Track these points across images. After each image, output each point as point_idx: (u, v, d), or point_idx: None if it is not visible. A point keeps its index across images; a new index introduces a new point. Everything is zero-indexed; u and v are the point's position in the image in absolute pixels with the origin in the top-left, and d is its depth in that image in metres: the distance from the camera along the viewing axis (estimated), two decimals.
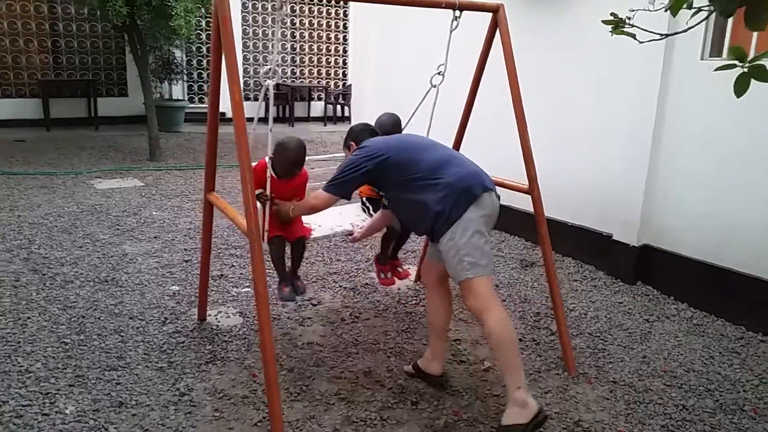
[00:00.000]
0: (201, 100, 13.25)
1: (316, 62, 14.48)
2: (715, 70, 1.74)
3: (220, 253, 4.97)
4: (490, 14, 3.37)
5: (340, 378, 3.22)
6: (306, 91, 14.19)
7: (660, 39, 1.89)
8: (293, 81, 14.08)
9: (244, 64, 13.50)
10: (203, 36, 12.81)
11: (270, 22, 13.79)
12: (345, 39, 14.66)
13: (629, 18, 1.78)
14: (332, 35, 14.61)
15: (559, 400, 3.10)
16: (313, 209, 3.09)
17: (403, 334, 3.74)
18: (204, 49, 13.05)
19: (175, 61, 11.87)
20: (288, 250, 3.37)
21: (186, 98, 12.82)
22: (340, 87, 14.64)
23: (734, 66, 1.60)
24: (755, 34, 3.83)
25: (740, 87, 1.65)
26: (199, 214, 5.98)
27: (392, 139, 3.15)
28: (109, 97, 11.97)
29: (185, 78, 12.86)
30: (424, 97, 3.54)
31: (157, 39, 9.73)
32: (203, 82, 13.26)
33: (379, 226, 3.50)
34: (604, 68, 4.68)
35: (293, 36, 14.14)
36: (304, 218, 3.41)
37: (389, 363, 3.39)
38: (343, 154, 3.44)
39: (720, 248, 4.12)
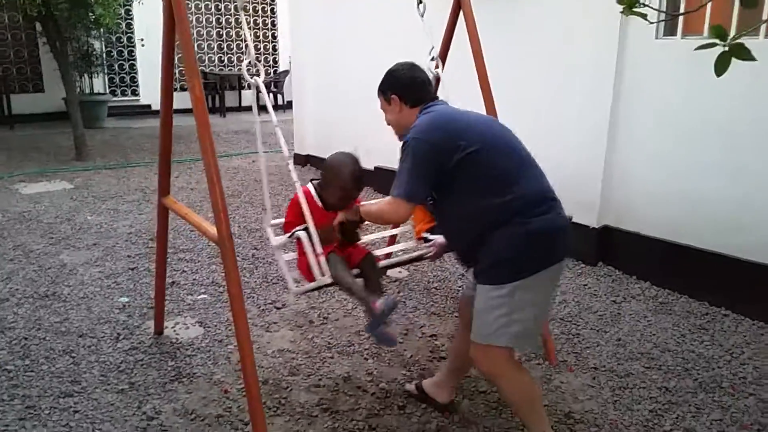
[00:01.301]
0: (124, 93, 12.59)
1: (244, 49, 13.98)
2: (696, 49, 1.68)
3: (167, 258, 4.64)
4: None
5: (318, 386, 3.04)
6: (236, 80, 13.67)
7: (669, 19, 1.79)
8: (221, 69, 13.56)
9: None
10: (122, 25, 12.10)
11: (198, 8, 13.18)
12: (273, 24, 14.24)
13: None
14: (260, 20, 14.14)
15: (545, 392, 3.04)
16: (384, 220, 2.46)
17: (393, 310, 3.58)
18: (124, 38, 12.35)
19: (95, 52, 11.17)
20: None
21: (108, 91, 12.11)
22: (271, 74, 14.22)
23: (714, 45, 1.57)
24: (708, 13, 3.86)
25: (721, 66, 1.63)
26: (138, 216, 5.64)
27: (473, 118, 2.34)
28: (24, 94, 11.15)
29: (106, 70, 12.14)
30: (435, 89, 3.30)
31: (75, 29, 9.07)
32: (125, 73, 12.58)
33: None
34: (559, 47, 4.63)
35: (218, 22, 13.59)
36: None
37: (368, 366, 3.23)
38: None
39: (680, 226, 4.17)
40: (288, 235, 2.51)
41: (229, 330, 3.57)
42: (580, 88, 4.52)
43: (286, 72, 13.52)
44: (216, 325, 3.63)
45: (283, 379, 3.08)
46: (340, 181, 2.55)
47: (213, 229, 2.49)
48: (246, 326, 2.36)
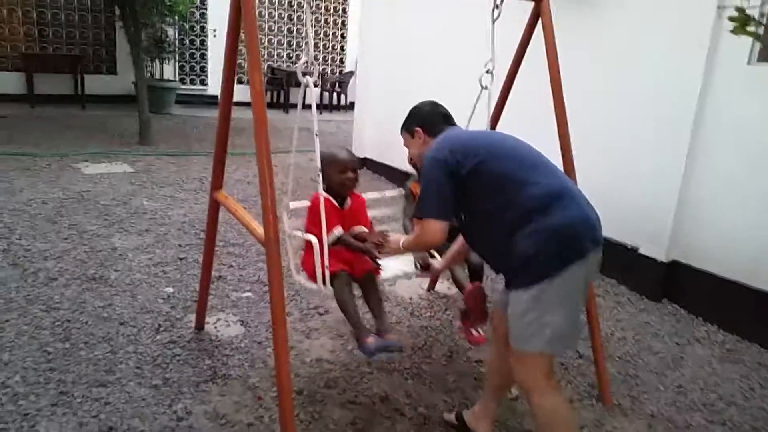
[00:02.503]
0: (192, 82, 12.81)
1: (303, 46, 14.04)
2: None
3: (217, 251, 4.58)
4: (532, 3, 3.06)
5: (354, 403, 2.90)
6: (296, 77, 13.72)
7: None
8: (288, 66, 13.64)
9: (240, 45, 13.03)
10: (197, 14, 12.32)
11: (271, 2, 13.31)
12: (344, 24, 14.25)
13: (761, 17, 1.46)
14: (330, 19, 14.18)
15: None
16: (427, 245, 2.46)
17: (420, 352, 3.43)
18: (197, 28, 12.57)
19: (168, 39, 11.39)
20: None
21: (177, 79, 12.34)
22: (337, 74, 14.24)
23: None
24: None
25: None
26: (194, 206, 5.64)
27: (479, 134, 2.52)
28: (98, 75, 11.48)
29: (177, 58, 12.38)
30: (477, 101, 3.17)
31: (151, 15, 9.25)
32: (195, 62, 12.81)
33: (460, 253, 2.93)
34: (639, 67, 4.37)
35: (290, 18, 13.69)
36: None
37: (407, 387, 3.08)
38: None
39: (756, 269, 3.85)
40: (302, 235, 2.63)
41: (270, 332, 3.47)
42: (660, 112, 4.24)
43: (351, 73, 13.51)
44: (257, 326, 3.54)
45: (318, 391, 2.96)
46: (335, 162, 2.73)
47: (260, 230, 2.39)
48: (285, 335, 2.24)
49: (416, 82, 6.77)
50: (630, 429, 2.90)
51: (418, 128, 2.61)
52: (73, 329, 3.30)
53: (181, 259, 4.42)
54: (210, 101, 12.71)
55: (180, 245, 4.68)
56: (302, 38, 13.88)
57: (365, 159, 7.76)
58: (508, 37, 3.16)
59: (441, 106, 2.69)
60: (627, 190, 4.46)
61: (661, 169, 4.24)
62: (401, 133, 2.73)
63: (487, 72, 3.09)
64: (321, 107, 13.39)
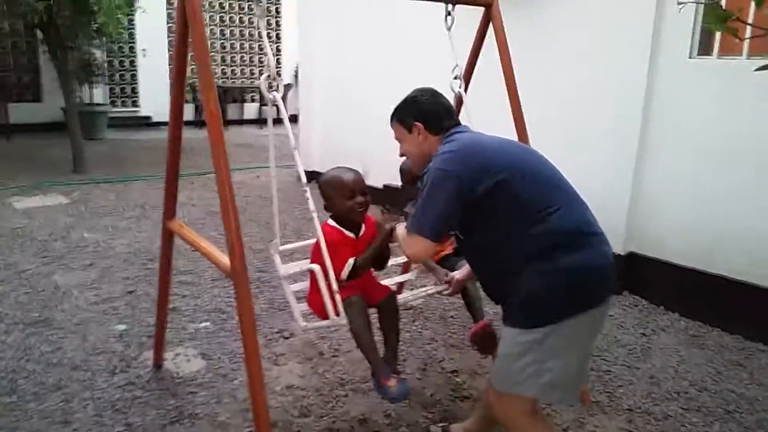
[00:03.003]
0: (124, 104, 12.38)
1: (248, 61, 13.79)
2: (756, 70, 1.49)
3: None
4: (482, 9, 3.03)
5: (332, 430, 2.78)
6: (238, 93, 13.50)
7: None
8: (224, 82, 13.35)
9: (170, 63, 12.68)
10: (125, 34, 11.89)
11: (210, 19, 12.99)
12: (278, 37, 14.05)
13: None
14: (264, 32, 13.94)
15: None
16: (411, 259, 2.31)
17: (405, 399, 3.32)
18: (126, 48, 12.15)
19: (96, 62, 10.96)
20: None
21: (108, 102, 11.89)
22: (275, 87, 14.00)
23: None
24: (748, 33, 3.65)
25: None
26: (138, 234, 5.39)
27: (498, 145, 2.13)
28: (22, 103, 10.91)
29: (107, 80, 11.93)
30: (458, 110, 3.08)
31: (77, 38, 8.86)
32: (126, 83, 12.38)
33: None
34: (586, 68, 4.42)
35: (222, 34, 13.42)
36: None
37: (385, 406, 2.97)
38: None
39: (712, 255, 3.94)
40: (300, 268, 2.40)
41: (234, 363, 3.32)
42: (608, 108, 4.30)
43: (290, 85, 13.34)
44: (219, 358, 3.37)
45: (293, 422, 2.82)
46: (341, 186, 2.38)
47: (225, 260, 2.25)
48: (260, 374, 2.12)
49: (368, 90, 6.70)
50: (611, 427, 2.88)
51: (417, 123, 2.25)
52: (20, 380, 3.05)
53: (130, 292, 4.18)
54: (143, 122, 12.34)
55: (127, 278, 4.44)
56: (236, 53, 13.61)
57: (313, 172, 7.62)
58: (463, 42, 3.12)
59: (442, 96, 2.34)
60: (580, 187, 4.46)
61: (614, 165, 4.29)
62: (392, 124, 2.37)
63: (455, 78, 3.01)
64: (261, 122, 13.17)
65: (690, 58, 3.92)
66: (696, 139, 3.95)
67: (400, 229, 2.26)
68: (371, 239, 2.43)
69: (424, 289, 2.93)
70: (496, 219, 2.00)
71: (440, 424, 2.75)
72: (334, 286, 2.21)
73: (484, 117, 2.88)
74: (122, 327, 3.67)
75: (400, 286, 3.52)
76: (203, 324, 3.77)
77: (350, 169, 2.43)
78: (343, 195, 2.37)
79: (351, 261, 2.33)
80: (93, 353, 3.35)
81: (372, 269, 2.55)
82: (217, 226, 5.73)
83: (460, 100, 3.09)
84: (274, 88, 2.18)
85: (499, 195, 1.97)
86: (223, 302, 4.07)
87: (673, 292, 4.15)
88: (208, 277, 4.49)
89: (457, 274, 2.83)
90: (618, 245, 4.33)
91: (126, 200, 6.63)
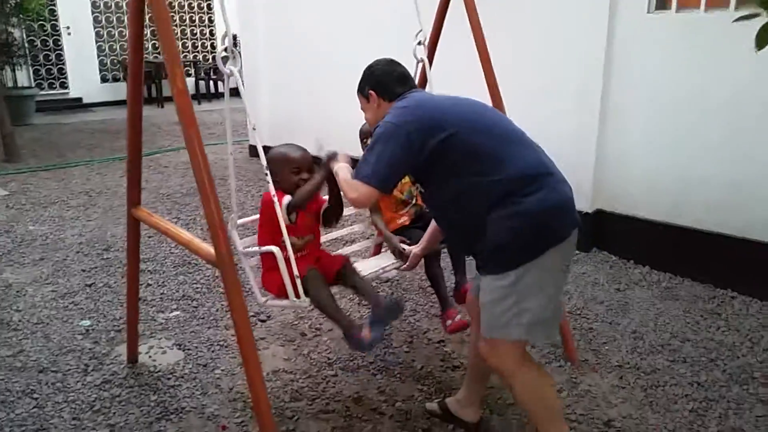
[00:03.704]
0: (51, 86, 11.66)
1: (180, 34, 13.17)
2: (735, 21, 1.46)
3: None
4: None
5: (328, 412, 2.69)
6: None
7: None
8: (156, 57, 12.74)
9: (97, 41, 12.02)
10: (45, 11, 11.14)
11: None
12: (210, 7, 13.47)
13: None
14: (194, 3, 13.35)
15: (576, 398, 2.79)
16: (352, 203, 2.21)
17: (380, 343, 3.25)
18: (48, 26, 11.40)
19: (15, 42, 10.24)
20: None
21: (34, 84, 11.17)
22: (210, 60, 13.49)
23: (756, 15, 1.38)
24: None
25: (762, 39, 1.38)
26: (87, 223, 5.10)
27: (450, 102, 2.18)
28: None
29: (30, 61, 11.19)
30: (415, 75, 2.97)
31: None
32: (51, 64, 11.64)
33: (436, 237, 2.72)
34: (547, 25, 4.36)
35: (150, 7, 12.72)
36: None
37: (377, 382, 2.91)
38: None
39: (678, 207, 4.01)
40: (259, 250, 2.39)
41: (212, 352, 3.17)
42: (569, 66, 4.27)
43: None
44: (197, 347, 3.22)
45: (286, 407, 2.72)
46: (287, 161, 2.44)
47: (207, 248, 2.10)
48: (257, 363, 2.01)
49: (315, 58, 6.48)
50: (604, 384, 2.90)
51: (371, 91, 2.32)
52: None
53: (89, 285, 3.94)
54: (74, 105, 11.69)
55: (84, 270, 4.18)
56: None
57: (264, 147, 7.37)
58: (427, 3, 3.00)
59: (398, 64, 2.38)
60: (545, 148, 4.46)
61: (577, 122, 4.29)
62: (357, 95, 2.43)
63: (419, 44, 2.90)
64: (199, 97, 12.67)
65: (648, 12, 3.92)
66: (657, 93, 3.97)
67: (343, 172, 2.23)
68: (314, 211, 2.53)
69: (379, 264, 2.89)
70: (452, 172, 2.04)
71: (435, 400, 2.69)
72: (295, 271, 2.22)
73: (452, 83, 2.77)
74: (87, 322, 3.45)
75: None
76: (174, 313, 3.59)
77: (298, 147, 2.50)
78: (288, 170, 2.43)
79: (286, 199, 2.35)
80: (60, 353, 3.13)
81: (325, 222, 2.58)
82: (169, 210, 5.49)
83: (424, 67, 3.00)
84: (231, 62, 2.08)
85: (453, 148, 2.01)
86: (190, 289, 3.89)
87: (642, 246, 4.21)
88: (170, 263, 4.28)
89: (415, 248, 2.81)
90: (585, 203, 4.36)
91: (69, 188, 6.25)
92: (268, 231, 2.39)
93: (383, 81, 2.31)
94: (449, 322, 2.94)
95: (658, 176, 4.06)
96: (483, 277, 2.09)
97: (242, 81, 2.14)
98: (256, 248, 2.41)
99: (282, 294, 2.32)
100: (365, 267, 2.75)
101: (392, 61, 2.40)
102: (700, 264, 3.93)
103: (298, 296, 2.26)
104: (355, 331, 2.30)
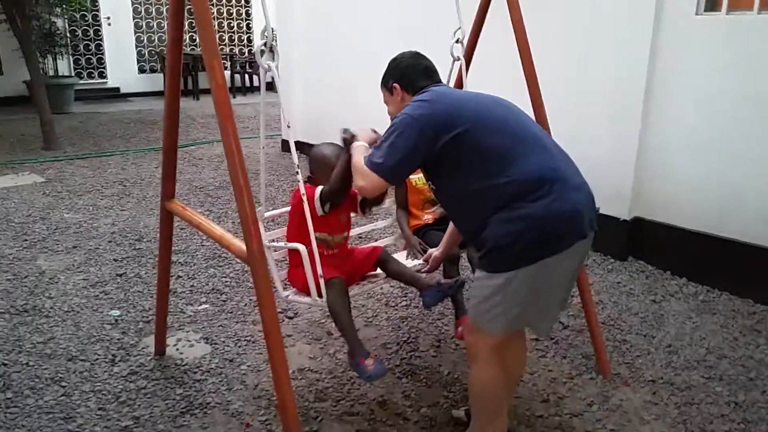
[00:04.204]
0: (90, 75, 11.86)
1: (217, 27, 13.26)
2: None
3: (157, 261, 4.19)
4: None
5: (352, 414, 2.66)
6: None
7: None
8: (192, 49, 12.86)
9: (136, 32, 12.17)
10: (87, 2, 11.33)
11: None
12: (247, 1, 13.55)
13: None
14: None
15: (606, 413, 2.71)
16: (359, 190, 2.22)
17: (407, 346, 3.22)
18: (89, 17, 11.59)
19: (58, 32, 10.42)
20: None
21: (74, 74, 11.37)
22: (246, 54, 13.57)
23: None
24: None
25: None
26: (121, 213, 5.16)
27: (468, 98, 2.19)
28: None
29: (71, 51, 11.39)
30: (450, 73, 2.92)
31: (37, 5, 8.36)
32: (91, 54, 11.84)
33: (455, 239, 2.67)
34: (589, 27, 4.25)
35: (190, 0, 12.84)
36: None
37: (403, 387, 2.86)
38: None
39: (720, 218, 3.88)
40: (285, 245, 2.40)
41: (239, 347, 3.17)
42: (612, 68, 4.16)
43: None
44: (224, 341, 3.21)
45: (311, 407, 2.69)
46: (327, 161, 2.43)
47: (239, 244, 2.08)
48: (286, 374, 1.97)
49: (349, 54, 6.46)
50: (636, 399, 2.81)
51: (395, 84, 2.31)
52: (13, 374, 2.86)
53: (120, 275, 3.97)
54: (112, 94, 11.87)
55: (116, 260, 4.22)
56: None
57: (296, 142, 7.37)
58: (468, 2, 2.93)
59: (424, 57, 2.37)
60: (585, 152, 4.31)
61: (618, 127, 4.18)
62: (381, 89, 2.43)
63: (457, 42, 2.85)
64: (234, 90, 12.75)
65: (697, 14, 3.79)
66: (703, 99, 3.84)
67: (358, 153, 2.20)
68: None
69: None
70: (460, 170, 2.03)
71: (462, 407, 2.64)
72: (319, 270, 2.21)
73: (487, 83, 2.71)
74: (116, 312, 3.48)
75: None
76: (202, 306, 3.59)
77: (339, 149, 2.42)
78: (329, 171, 2.38)
79: (317, 190, 2.37)
80: (89, 342, 3.16)
81: (363, 208, 2.59)
82: (201, 202, 5.52)
83: (460, 67, 2.95)
84: (268, 57, 2.05)
85: (464, 145, 2.00)
86: (220, 282, 3.89)
87: (681, 257, 4.09)
88: (201, 256, 4.30)
89: (436, 251, 2.77)
90: (623, 209, 4.26)
91: (104, 177, 6.33)
92: (297, 227, 2.38)
93: (408, 74, 2.30)
94: (460, 328, 2.90)
95: (702, 185, 3.93)
96: (477, 270, 2.12)
97: (279, 76, 2.10)
98: (282, 243, 2.40)
99: (304, 289, 2.32)
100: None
101: (418, 53, 2.39)
102: (740, 277, 3.79)
103: (320, 295, 2.25)
104: (360, 355, 2.29)
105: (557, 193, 1.94)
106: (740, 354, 3.21)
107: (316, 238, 2.21)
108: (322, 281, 2.23)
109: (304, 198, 2.20)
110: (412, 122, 2.03)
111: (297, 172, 2.19)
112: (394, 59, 2.39)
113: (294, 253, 2.38)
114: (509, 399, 2.51)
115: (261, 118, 2.27)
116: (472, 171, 2.01)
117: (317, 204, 2.36)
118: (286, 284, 2.54)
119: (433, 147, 2.01)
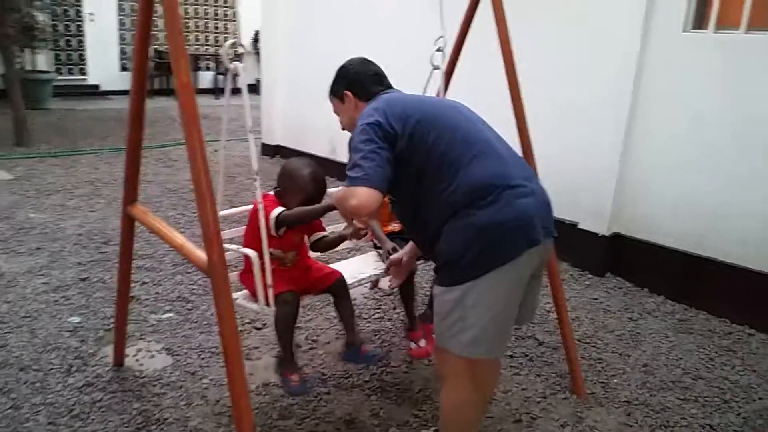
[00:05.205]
0: (71, 71, 11.65)
1: (202, 27, 13.11)
2: None
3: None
4: None
5: None
6: (192, 60, 12.87)
7: None
8: None
9: (120, 29, 11.98)
10: None
11: None
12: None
13: None
14: None
15: None
16: (356, 212, 1.96)
17: (378, 362, 3.11)
18: (72, 12, 11.39)
19: (38, 26, 10.20)
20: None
21: (53, 69, 11.15)
22: (232, 55, 13.40)
23: None
24: (748, 4, 3.48)
25: None
26: (89, 214, 5.01)
27: (420, 101, 2.17)
28: None
29: (51, 46, 11.17)
30: (428, 82, 2.84)
31: None
32: (72, 50, 11.63)
33: (415, 250, 2.62)
34: (574, 41, 4.20)
35: None
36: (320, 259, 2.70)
37: (371, 404, 2.76)
38: None
39: (700, 237, 3.83)
40: (238, 250, 2.30)
41: (202, 359, 3.04)
42: (597, 84, 4.11)
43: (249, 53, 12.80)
44: (186, 353, 3.09)
45: (274, 425, 2.58)
46: (300, 183, 2.37)
47: (200, 253, 1.97)
48: (244, 382, 1.85)
49: (332, 57, 6.32)
50: (610, 421, 2.74)
51: (347, 92, 2.27)
52: None
53: (83, 279, 3.83)
54: (91, 91, 11.66)
55: (80, 263, 4.07)
56: (189, 18, 12.92)
57: (277, 147, 7.25)
58: (452, 11, 2.86)
59: (372, 63, 2.35)
60: (565, 165, 4.28)
61: (601, 142, 4.12)
62: (329, 98, 2.39)
63: (438, 50, 2.77)
64: (217, 91, 12.60)
65: (684, 31, 3.75)
66: (689, 118, 3.79)
67: (337, 193, 2.10)
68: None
69: (360, 269, 2.81)
70: (414, 177, 1.99)
71: (432, 428, 2.55)
72: (269, 280, 2.17)
73: (474, 97, 2.63)
74: (76, 319, 3.34)
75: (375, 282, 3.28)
76: (166, 315, 3.46)
77: (319, 170, 2.42)
78: (300, 191, 2.38)
79: (275, 212, 2.29)
80: (44, 350, 3.01)
81: (313, 248, 2.59)
82: (174, 205, 5.39)
83: (446, 75, 2.88)
84: (236, 57, 2.03)
85: (414, 152, 1.96)
86: (186, 290, 3.77)
87: (659, 275, 4.03)
88: (169, 261, 4.16)
89: (399, 255, 2.68)
90: (602, 226, 4.20)
91: (75, 176, 6.16)
92: (253, 233, 2.27)
93: (359, 80, 2.27)
94: (413, 345, 2.90)
95: (684, 204, 3.87)
96: (435, 287, 2.06)
97: (260, 80, 2.02)
98: (236, 247, 2.31)
99: (254, 296, 2.28)
100: (346, 271, 2.65)
101: (366, 60, 2.38)
102: (717, 297, 3.75)
103: (267, 304, 2.21)
104: (288, 369, 2.34)
105: (505, 199, 1.89)
106: (716, 375, 3.15)
107: (270, 253, 2.17)
108: (270, 292, 2.18)
109: (261, 214, 2.13)
110: (371, 129, 1.98)
111: (255, 179, 2.10)
112: (342, 67, 2.36)
113: (248, 258, 2.30)
114: (481, 416, 2.41)
115: (223, 124, 2.27)
116: (424, 178, 1.97)
117: (272, 224, 2.29)
118: (239, 287, 2.48)
119: (395, 148, 1.98)
